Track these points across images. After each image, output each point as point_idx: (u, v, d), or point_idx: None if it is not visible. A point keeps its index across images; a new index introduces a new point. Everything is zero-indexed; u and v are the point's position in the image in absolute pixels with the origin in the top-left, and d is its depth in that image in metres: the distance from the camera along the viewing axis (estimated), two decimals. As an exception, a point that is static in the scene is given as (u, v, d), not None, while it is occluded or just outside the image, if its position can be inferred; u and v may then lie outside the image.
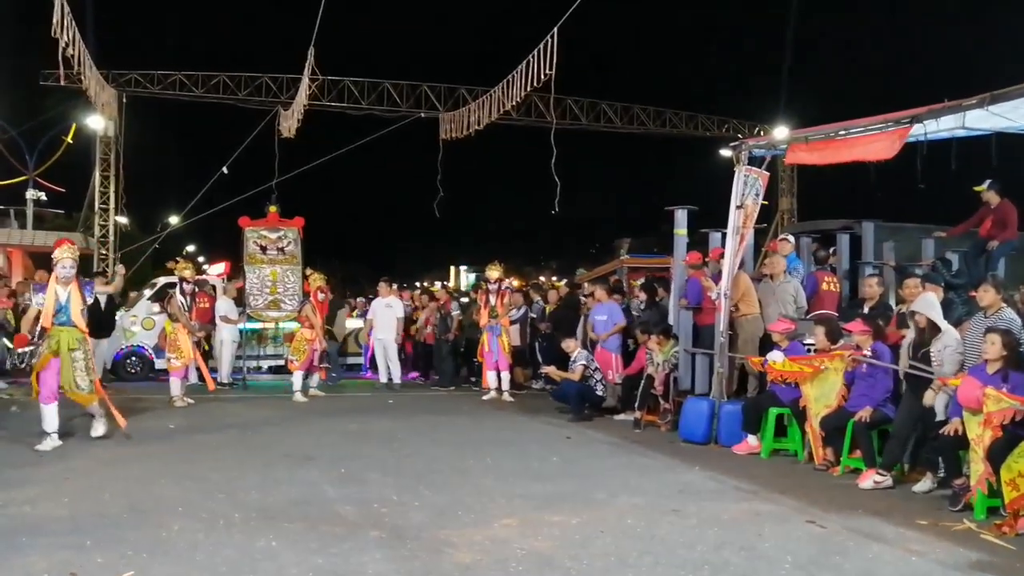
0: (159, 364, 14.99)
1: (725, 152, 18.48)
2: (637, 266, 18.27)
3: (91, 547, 5.11)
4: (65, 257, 8.41)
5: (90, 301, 8.87)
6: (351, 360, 17.05)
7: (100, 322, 13.72)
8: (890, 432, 7.40)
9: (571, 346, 11.36)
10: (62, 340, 8.31)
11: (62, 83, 22.19)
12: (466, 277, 57.61)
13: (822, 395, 8.07)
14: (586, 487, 7.00)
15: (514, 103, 14.79)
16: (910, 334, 7.44)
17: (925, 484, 7.01)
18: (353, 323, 17.20)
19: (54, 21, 12.27)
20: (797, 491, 6.97)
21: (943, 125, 8.10)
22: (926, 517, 6.16)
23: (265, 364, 16.03)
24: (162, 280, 16.62)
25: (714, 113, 30.18)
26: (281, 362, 15.70)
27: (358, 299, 17.67)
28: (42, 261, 14.91)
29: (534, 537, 5.52)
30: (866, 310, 8.81)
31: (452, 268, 65.44)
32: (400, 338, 14.68)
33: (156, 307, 15.53)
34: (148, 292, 16.24)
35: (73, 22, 13.05)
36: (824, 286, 10.23)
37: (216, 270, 16.71)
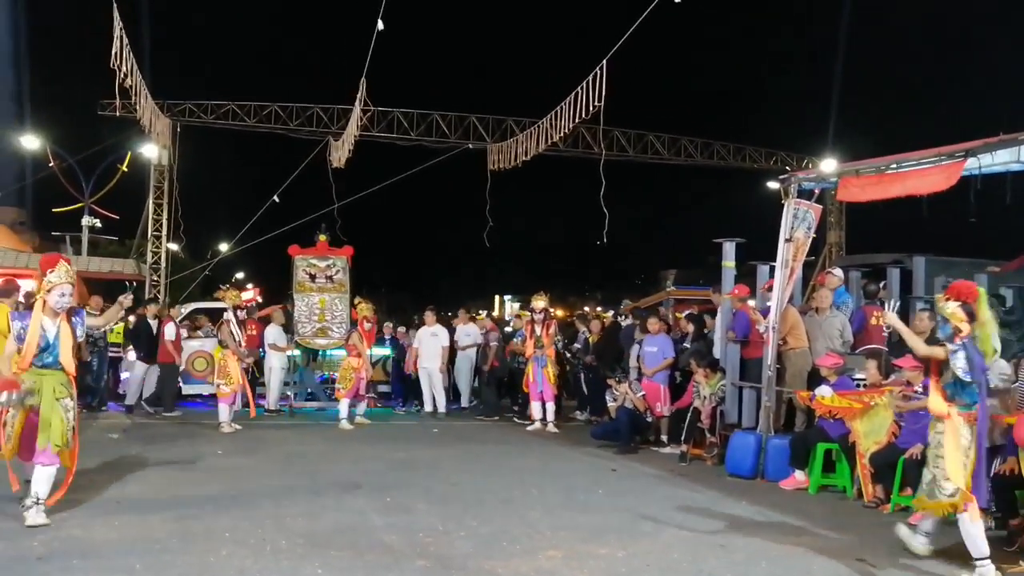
0: (187, 390, 15.04)
1: (773, 184, 18.38)
2: (683, 298, 18.18)
3: (141, 571, 5.20)
4: (64, 283, 6.55)
5: (81, 337, 7.13)
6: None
7: (152, 348, 13.98)
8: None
9: (622, 389, 11.25)
10: (45, 387, 6.47)
11: (118, 113, 22.80)
12: (510, 307, 57.69)
13: (872, 431, 7.95)
14: (632, 520, 6.96)
15: (562, 134, 14.89)
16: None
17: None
18: (380, 350, 17.17)
19: (112, 53, 12.65)
20: (846, 528, 6.87)
21: (998, 159, 8.01)
22: (981, 558, 6.01)
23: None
24: (191, 306, 16.86)
25: (762, 145, 30.06)
26: (310, 389, 15.65)
27: (398, 328, 17.61)
28: (96, 287, 15.20)
29: (580, 569, 5.50)
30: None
31: (497, 298, 65.59)
32: (444, 367, 14.71)
33: (184, 332, 15.71)
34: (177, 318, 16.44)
35: (131, 54, 13.44)
36: (873, 320, 10.08)
37: (246, 296, 16.90)
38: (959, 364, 5.73)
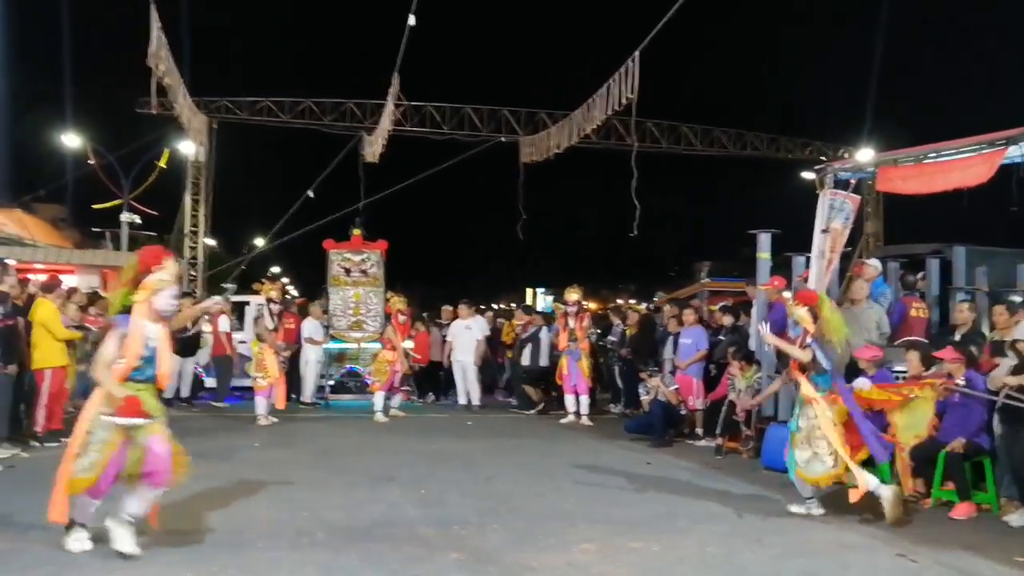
0: (210, 383, 15.10)
1: (807, 175, 18.18)
2: (718, 289, 18.05)
3: (179, 562, 5.27)
4: (172, 282, 5.58)
5: None
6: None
7: (187, 341, 14.17)
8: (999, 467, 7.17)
9: (654, 383, 11.24)
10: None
11: (155, 111, 23.05)
12: (543, 300, 57.59)
13: (912, 425, 7.82)
14: (666, 513, 6.93)
15: (594, 127, 14.84)
16: (1006, 363, 7.19)
17: (1022, 518, 6.75)
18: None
19: (150, 52, 12.81)
20: (885, 523, 6.77)
21: (1040, 146, 7.86)
22: (1024, 553, 5.93)
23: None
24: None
25: (796, 135, 29.74)
26: (332, 382, 15.58)
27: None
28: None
29: (614, 563, 5.49)
30: (958, 337, 8.54)
31: (529, 291, 65.48)
32: (479, 360, 14.73)
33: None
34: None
35: (168, 52, 13.60)
36: (913, 312, 9.93)
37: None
38: (820, 357, 6.96)
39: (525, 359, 14.30)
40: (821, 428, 6.85)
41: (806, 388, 7.01)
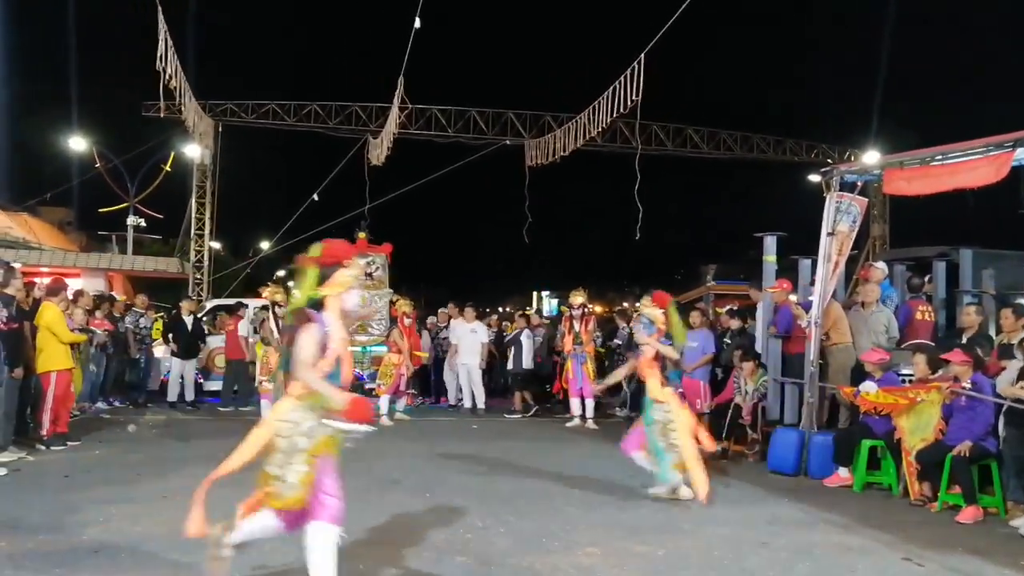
0: (208, 386, 14.97)
1: (814, 177, 18.14)
2: (723, 293, 18.01)
3: (187, 565, 5.27)
4: (360, 281, 4.97)
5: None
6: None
7: (189, 344, 14.20)
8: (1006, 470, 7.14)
9: None
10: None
11: (162, 114, 23.12)
12: (548, 303, 57.57)
13: (918, 428, 7.81)
14: (672, 517, 6.92)
15: (599, 129, 14.84)
16: (1013, 365, 7.17)
17: (1029, 522, 6.73)
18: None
19: (157, 55, 12.84)
20: (892, 526, 6.76)
21: (1048, 149, 7.81)
22: (1031, 558, 5.90)
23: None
24: (211, 303, 17.00)
25: (802, 138, 29.68)
26: None
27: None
28: (142, 285, 15.40)
29: (619, 567, 5.47)
30: (964, 340, 8.52)
31: (535, 294, 65.48)
32: (484, 363, 14.72)
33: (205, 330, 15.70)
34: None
35: (175, 55, 13.63)
36: (919, 315, 9.92)
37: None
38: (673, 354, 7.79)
39: (510, 363, 14.46)
40: (675, 423, 7.48)
41: (654, 389, 7.67)
